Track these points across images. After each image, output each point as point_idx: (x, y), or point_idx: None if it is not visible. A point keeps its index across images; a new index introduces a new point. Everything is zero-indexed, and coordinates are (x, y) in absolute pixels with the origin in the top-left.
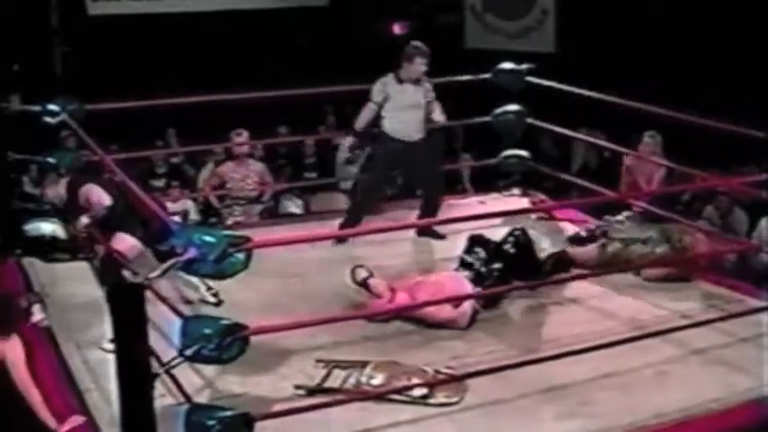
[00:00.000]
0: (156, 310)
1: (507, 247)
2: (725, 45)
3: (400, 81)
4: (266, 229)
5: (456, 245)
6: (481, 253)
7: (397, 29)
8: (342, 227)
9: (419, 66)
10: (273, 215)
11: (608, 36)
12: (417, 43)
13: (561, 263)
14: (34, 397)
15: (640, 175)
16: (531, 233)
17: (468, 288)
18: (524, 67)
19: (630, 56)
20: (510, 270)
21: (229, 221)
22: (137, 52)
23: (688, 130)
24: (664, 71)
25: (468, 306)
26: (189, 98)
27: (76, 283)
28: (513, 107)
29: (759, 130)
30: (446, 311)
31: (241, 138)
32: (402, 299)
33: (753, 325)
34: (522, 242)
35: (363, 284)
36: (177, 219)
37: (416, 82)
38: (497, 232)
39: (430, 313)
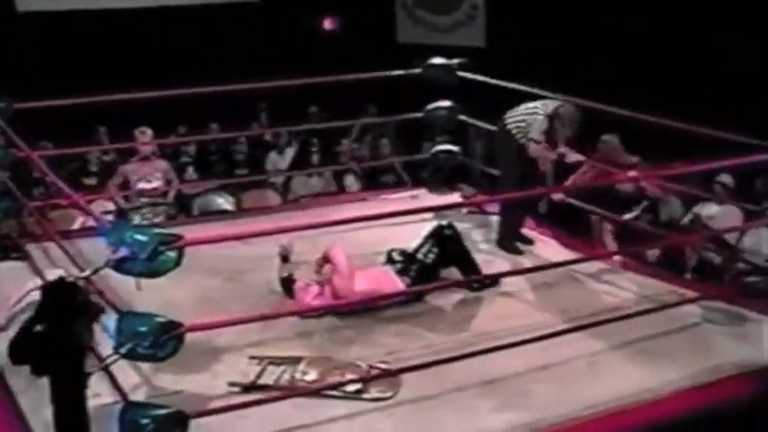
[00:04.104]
0: None
1: (431, 243)
2: (653, 38)
3: None
4: (197, 226)
5: (396, 237)
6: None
7: (327, 24)
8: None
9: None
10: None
11: (538, 30)
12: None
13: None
14: None
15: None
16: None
17: (396, 279)
18: (455, 61)
19: (560, 50)
20: (439, 263)
21: (136, 221)
22: (67, 49)
23: (620, 123)
24: (593, 65)
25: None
26: (120, 95)
27: (10, 283)
28: (446, 103)
29: (681, 119)
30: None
31: (145, 136)
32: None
33: (683, 315)
34: (448, 236)
35: (286, 281)
36: (110, 217)
37: None
38: (427, 227)
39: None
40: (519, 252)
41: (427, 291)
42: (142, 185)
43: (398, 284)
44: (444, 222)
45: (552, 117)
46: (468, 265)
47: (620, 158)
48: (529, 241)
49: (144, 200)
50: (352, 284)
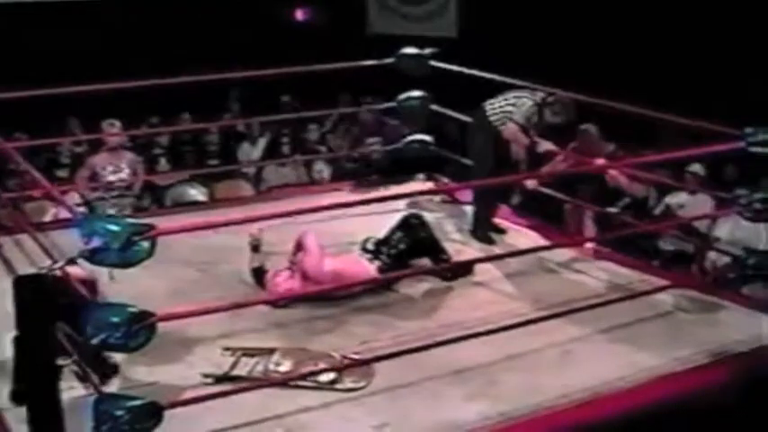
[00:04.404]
0: None
1: (400, 233)
2: (626, 27)
3: None
4: (170, 217)
5: (370, 227)
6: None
7: (299, 14)
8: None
9: None
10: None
11: (510, 20)
12: None
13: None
14: None
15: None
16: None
17: (368, 266)
18: (428, 51)
19: (532, 40)
20: (407, 253)
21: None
22: (38, 40)
23: (594, 112)
24: (566, 54)
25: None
26: (91, 86)
27: None
28: (418, 93)
29: (654, 108)
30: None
31: (113, 128)
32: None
33: (656, 304)
34: (416, 225)
35: (258, 272)
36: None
37: None
38: (400, 216)
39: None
40: (491, 241)
41: (399, 277)
42: (110, 177)
43: (368, 267)
44: (413, 211)
45: (542, 105)
46: (437, 253)
47: (598, 147)
48: (501, 231)
49: (112, 192)
50: (321, 264)
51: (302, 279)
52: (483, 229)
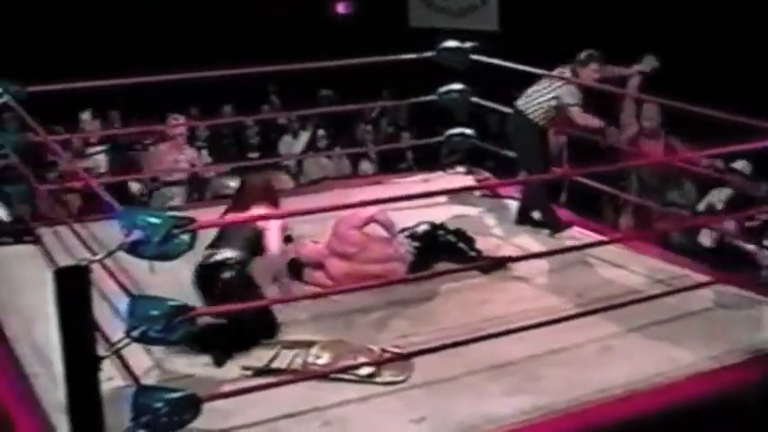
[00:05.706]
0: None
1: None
2: (672, 17)
3: None
4: (207, 209)
5: (408, 219)
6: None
7: (340, 8)
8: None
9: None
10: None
11: (551, 13)
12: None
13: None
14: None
15: None
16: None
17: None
18: (468, 45)
19: (573, 32)
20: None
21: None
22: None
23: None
24: (607, 46)
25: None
26: (131, 79)
27: (23, 265)
28: (458, 86)
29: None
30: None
31: (177, 122)
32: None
33: (696, 299)
34: (422, 235)
35: (294, 264)
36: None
37: None
38: (440, 210)
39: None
40: (567, 227)
41: (430, 266)
42: (168, 169)
43: (399, 250)
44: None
45: (576, 72)
46: (465, 251)
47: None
48: (566, 226)
49: (178, 184)
50: (354, 224)
51: (331, 234)
52: (556, 226)
